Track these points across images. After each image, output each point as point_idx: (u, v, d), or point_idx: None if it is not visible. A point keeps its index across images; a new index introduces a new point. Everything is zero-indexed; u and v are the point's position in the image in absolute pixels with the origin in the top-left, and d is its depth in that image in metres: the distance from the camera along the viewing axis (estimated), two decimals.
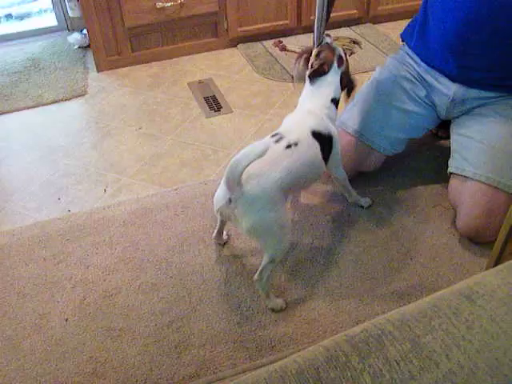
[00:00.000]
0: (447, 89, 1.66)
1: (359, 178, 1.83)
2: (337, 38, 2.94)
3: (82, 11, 2.62)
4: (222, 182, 1.30)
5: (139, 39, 2.78)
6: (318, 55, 1.54)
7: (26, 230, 1.76)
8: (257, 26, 2.93)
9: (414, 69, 1.76)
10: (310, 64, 1.55)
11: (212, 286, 1.51)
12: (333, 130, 1.52)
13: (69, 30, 3.22)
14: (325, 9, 1.54)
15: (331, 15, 1.59)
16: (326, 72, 1.53)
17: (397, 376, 0.61)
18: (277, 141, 1.39)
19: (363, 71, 2.60)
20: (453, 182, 1.60)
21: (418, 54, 1.75)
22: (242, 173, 1.22)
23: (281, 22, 2.95)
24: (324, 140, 1.47)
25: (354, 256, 1.58)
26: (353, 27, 3.10)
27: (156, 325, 1.41)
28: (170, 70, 2.79)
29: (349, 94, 1.62)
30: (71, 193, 1.94)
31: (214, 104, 2.45)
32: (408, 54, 1.80)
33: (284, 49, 2.89)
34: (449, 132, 1.73)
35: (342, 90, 1.57)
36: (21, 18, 3.37)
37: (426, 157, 1.98)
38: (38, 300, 1.50)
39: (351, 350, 0.66)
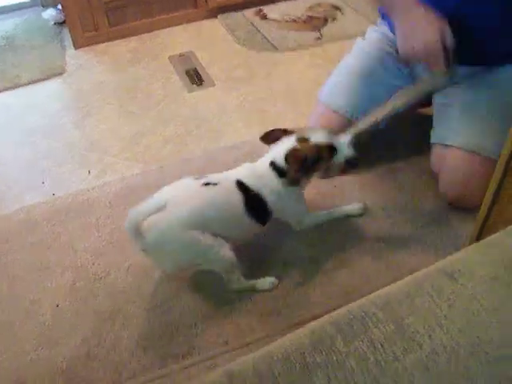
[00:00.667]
0: None
1: None
2: (319, 4, 2.89)
3: None
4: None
5: (116, 13, 2.70)
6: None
7: (12, 215, 1.74)
8: None
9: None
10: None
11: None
12: (267, 193, 1.39)
13: (43, 6, 3.11)
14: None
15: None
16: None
17: (381, 358, 0.63)
18: (198, 178, 1.36)
19: (346, 38, 2.56)
20: (434, 150, 1.61)
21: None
22: (138, 226, 1.23)
23: None
24: (250, 195, 1.37)
25: None
26: None
27: (146, 306, 1.42)
28: (150, 44, 2.73)
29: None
30: (54, 175, 1.91)
31: (195, 77, 2.41)
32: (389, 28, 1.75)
33: (265, 17, 2.84)
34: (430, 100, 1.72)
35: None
36: None
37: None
38: (29, 286, 1.50)
39: (336, 333, 0.67)
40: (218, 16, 2.90)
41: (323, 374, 0.62)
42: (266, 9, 2.91)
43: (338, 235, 1.57)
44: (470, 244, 1.06)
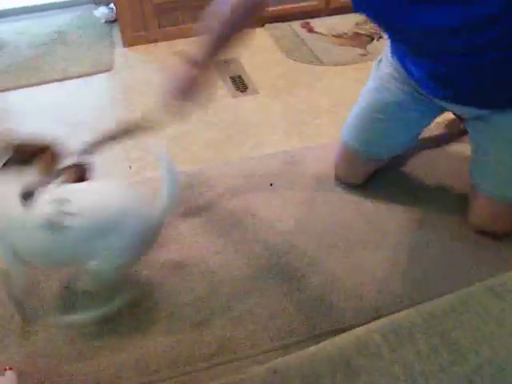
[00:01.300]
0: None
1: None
2: (366, 22, 2.89)
3: None
4: None
5: (166, 15, 2.77)
6: None
7: None
8: (284, 7, 2.90)
9: (405, 80, 1.60)
10: None
11: (234, 267, 1.54)
12: None
13: (95, 4, 3.21)
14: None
15: None
16: None
17: (426, 368, 0.63)
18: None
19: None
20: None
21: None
22: None
23: (309, 3, 2.92)
24: None
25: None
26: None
27: (179, 303, 1.44)
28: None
29: None
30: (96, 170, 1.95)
31: (239, 84, 2.45)
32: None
33: (311, 30, 2.86)
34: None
35: None
36: None
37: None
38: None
39: (382, 340, 0.67)
40: (265, 26, 2.94)
41: (367, 378, 0.62)
42: (313, 22, 2.94)
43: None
44: None
